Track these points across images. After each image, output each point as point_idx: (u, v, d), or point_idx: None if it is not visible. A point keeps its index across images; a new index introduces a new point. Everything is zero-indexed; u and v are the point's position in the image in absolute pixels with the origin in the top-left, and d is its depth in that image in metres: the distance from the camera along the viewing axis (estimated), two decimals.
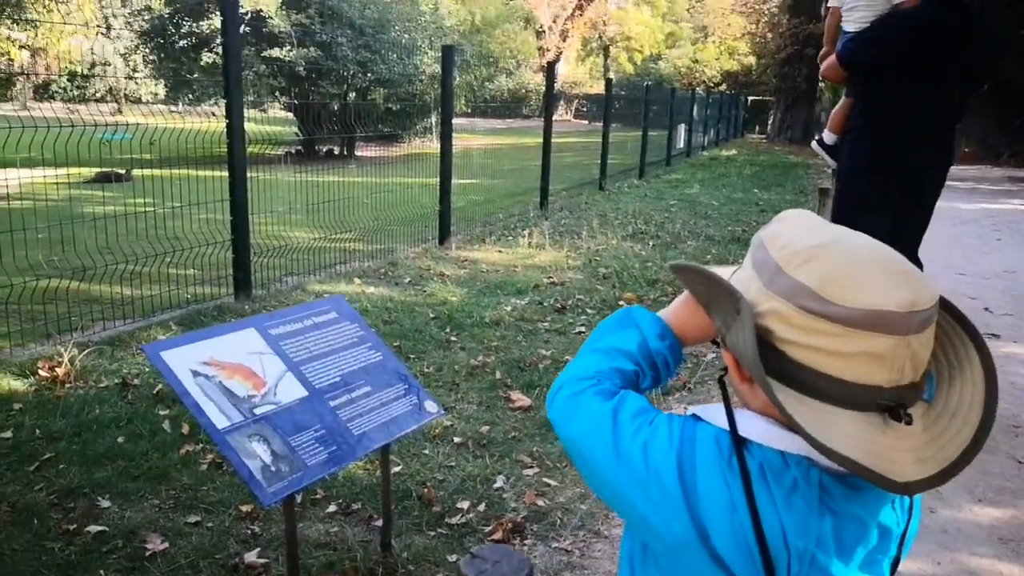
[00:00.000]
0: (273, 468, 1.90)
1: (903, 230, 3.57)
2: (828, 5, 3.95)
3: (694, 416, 0.90)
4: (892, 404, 0.76)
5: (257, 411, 1.99)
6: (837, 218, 3.72)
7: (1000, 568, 2.54)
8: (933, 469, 0.77)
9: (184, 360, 1.97)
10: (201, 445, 3.08)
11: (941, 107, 3.50)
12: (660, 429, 0.87)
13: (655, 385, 1.03)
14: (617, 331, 1.03)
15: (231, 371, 2.02)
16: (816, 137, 4.21)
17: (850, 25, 3.67)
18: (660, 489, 0.83)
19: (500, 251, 7.22)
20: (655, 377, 1.02)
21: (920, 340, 0.76)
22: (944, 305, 0.84)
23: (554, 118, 10.44)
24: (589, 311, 5.24)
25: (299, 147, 12.27)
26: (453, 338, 4.59)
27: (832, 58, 3.62)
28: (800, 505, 0.80)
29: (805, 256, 0.79)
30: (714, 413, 0.88)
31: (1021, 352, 4.76)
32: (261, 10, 14.84)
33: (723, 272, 0.91)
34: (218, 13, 14.27)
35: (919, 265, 3.64)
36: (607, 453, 0.88)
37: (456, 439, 3.27)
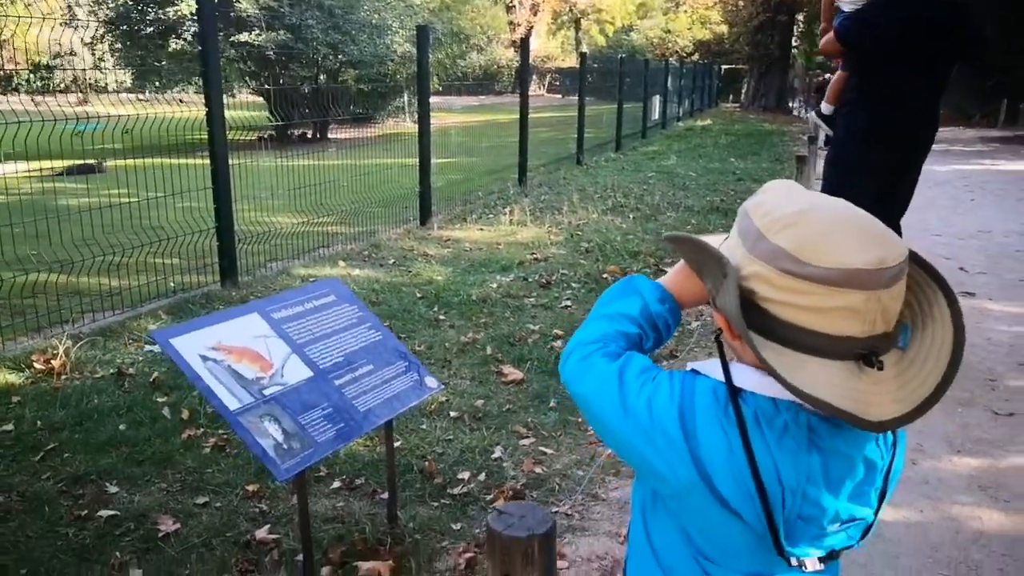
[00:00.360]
0: (285, 446, 1.97)
1: (889, 195, 3.81)
2: None
3: (693, 371, 0.98)
4: (865, 352, 0.85)
5: (266, 392, 2.05)
6: (827, 180, 3.98)
7: (980, 514, 2.67)
8: (905, 408, 0.86)
9: (193, 346, 2.03)
10: (202, 429, 3.14)
11: (930, 88, 3.74)
12: (662, 384, 0.95)
13: (657, 346, 1.11)
14: (620, 298, 1.11)
15: (238, 355, 2.09)
16: (815, 110, 4.50)
17: (845, 5, 3.89)
18: (665, 438, 0.91)
19: (482, 229, 7.28)
20: (657, 339, 1.10)
21: (890, 294, 0.85)
22: (916, 260, 0.93)
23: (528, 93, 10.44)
24: (574, 285, 5.33)
25: (271, 132, 12.21)
26: (441, 316, 4.66)
27: (831, 34, 3.83)
28: (791, 445, 0.88)
29: (784, 223, 0.87)
30: (711, 367, 0.96)
31: (996, 309, 4.92)
32: None
33: (713, 241, 0.99)
34: (186, 1, 14.05)
35: (898, 230, 3.83)
36: (615, 408, 0.97)
37: (452, 413, 3.35)
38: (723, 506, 0.89)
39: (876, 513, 0.96)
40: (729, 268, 0.90)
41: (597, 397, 1.00)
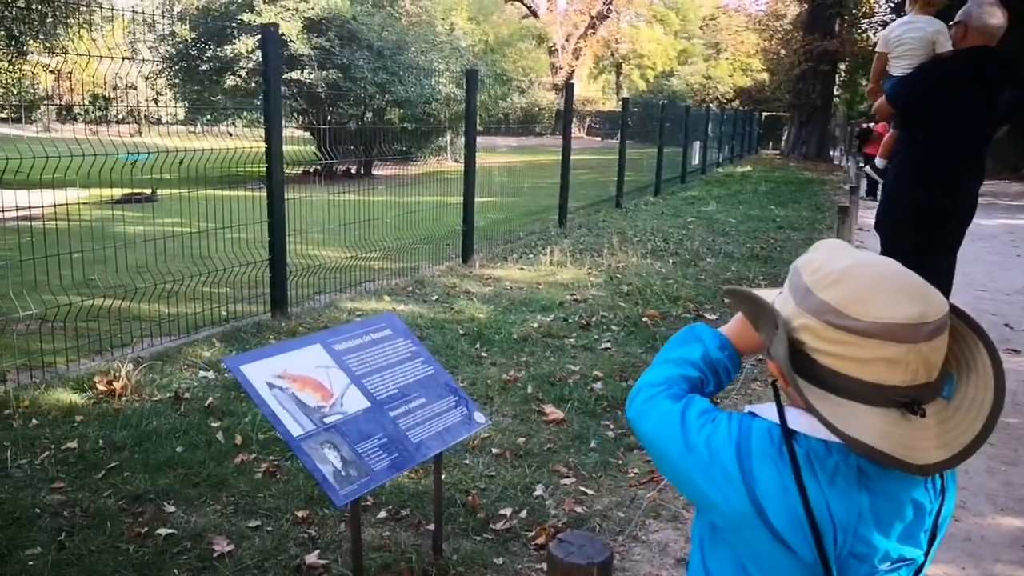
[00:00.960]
0: (343, 473, 2.06)
1: (929, 239, 4.03)
2: (876, 49, 4.50)
3: (750, 413, 1.06)
4: (908, 400, 0.91)
5: (327, 420, 2.16)
6: (878, 226, 4.28)
7: (1022, 573, 2.65)
8: (949, 454, 0.92)
9: (260, 373, 2.14)
10: (254, 455, 3.26)
11: (974, 137, 3.93)
12: (721, 424, 1.03)
13: (718, 390, 1.19)
14: (683, 344, 1.20)
15: (302, 383, 2.19)
16: (870, 164, 4.88)
17: (896, 70, 4.22)
18: (723, 472, 0.99)
19: (523, 269, 7.39)
20: (717, 383, 1.18)
21: (931, 347, 0.92)
22: (959, 314, 1.00)
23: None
24: (614, 328, 5.39)
25: (317, 167, 12.57)
26: (483, 354, 4.75)
27: (883, 98, 4.12)
28: (842, 485, 0.95)
29: (831, 280, 0.96)
30: (767, 410, 1.04)
31: None
32: (282, 34, 15.17)
33: (768, 295, 1.08)
34: (241, 38, 14.58)
35: (952, 274, 4.10)
36: (677, 446, 1.05)
37: (494, 450, 3.42)
38: (777, 540, 0.96)
39: (927, 555, 1.02)
40: (780, 321, 0.99)
41: (660, 434, 1.08)
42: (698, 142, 19.54)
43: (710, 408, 1.08)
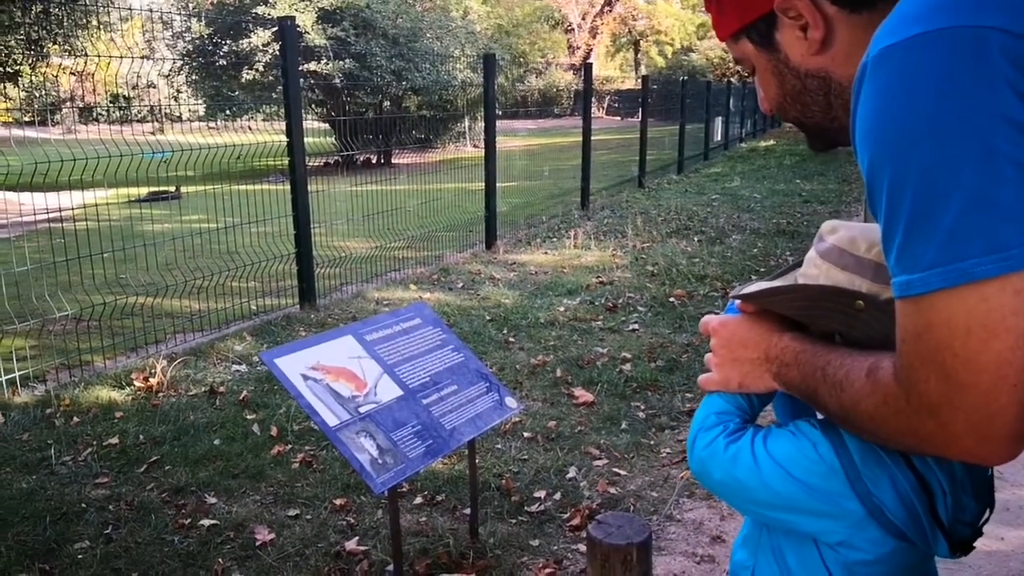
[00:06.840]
0: (380, 461, 2.09)
1: None
2: None
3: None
4: None
5: (361, 410, 2.19)
6: None
7: None
8: None
9: (295, 365, 2.18)
10: (290, 446, 3.31)
11: None
12: (803, 444, 0.98)
13: (768, 401, 1.14)
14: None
15: (336, 374, 2.23)
16: None
17: None
18: (824, 494, 0.95)
19: (547, 253, 7.39)
20: (762, 396, 1.13)
21: None
22: None
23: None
24: (641, 309, 5.38)
25: (337, 158, 12.61)
26: (511, 339, 4.77)
27: None
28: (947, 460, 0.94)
29: None
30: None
31: None
32: (298, 26, 15.19)
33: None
34: (257, 32, 14.63)
35: None
36: (759, 487, 0.98)
37: (526, 434, 3.44)
38: (894, 537, 0.95)
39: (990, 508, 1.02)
40: (867, 297, 0.95)
41: (736, 480, 1.01)
42: (720, 118, 19.32)
43: (774, 432, 1.04)
